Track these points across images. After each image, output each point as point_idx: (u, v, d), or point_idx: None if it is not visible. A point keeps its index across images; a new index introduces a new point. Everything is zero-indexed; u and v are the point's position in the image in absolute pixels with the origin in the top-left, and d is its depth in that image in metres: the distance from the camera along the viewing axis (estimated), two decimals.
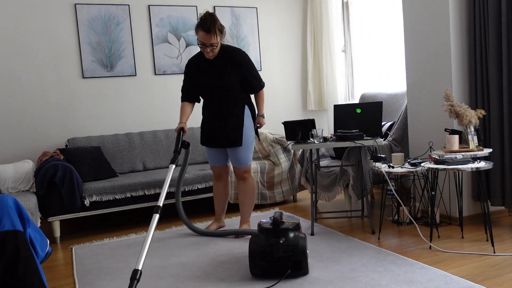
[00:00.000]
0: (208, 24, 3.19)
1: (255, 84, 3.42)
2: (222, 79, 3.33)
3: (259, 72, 3.56)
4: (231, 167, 3.63)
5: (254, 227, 3.73)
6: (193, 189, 4.12)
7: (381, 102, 3.51)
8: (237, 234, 3.48)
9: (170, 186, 3.99)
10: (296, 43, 5.71)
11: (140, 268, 2.31)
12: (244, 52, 3.42)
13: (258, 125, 3.50)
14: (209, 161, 3.62)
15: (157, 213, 2.63)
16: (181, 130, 3.33)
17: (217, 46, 3.28)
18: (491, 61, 3.28)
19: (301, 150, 4.49)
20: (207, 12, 3.27)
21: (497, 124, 3.31)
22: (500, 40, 3.25)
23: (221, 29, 3.28)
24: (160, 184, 4.00)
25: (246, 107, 3.43)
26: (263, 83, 3.48)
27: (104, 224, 4.27)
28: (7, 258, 1.88)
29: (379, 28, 4.98)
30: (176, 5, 4.99)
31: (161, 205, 2.69)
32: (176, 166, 3.09)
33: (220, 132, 3.41)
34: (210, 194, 4.13)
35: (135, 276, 2.27)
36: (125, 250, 3.36)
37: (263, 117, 3.52)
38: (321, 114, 5.73)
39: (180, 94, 3.53)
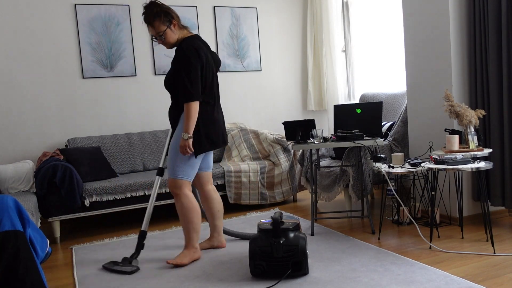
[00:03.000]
0: (143, 15, 2.88)
1: (180, 91, 2.79)
2: (166, 77, 2.94)
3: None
4: (204, 177, 3.19)
5: (253, 228, 3.73)
6: None
7: (381, 102, 3.51)
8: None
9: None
10: (296, 43, 5.70)
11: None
12: (191, 48, 2.79)
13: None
14: None
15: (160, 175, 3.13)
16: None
17: (164, 35, 2.85)
18: (491, 61, 3.28)
19: (301, 150, 4.49)
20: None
21: (497, 124, 3.31)
22: (500, 40, 3.25)
23: (161, 14, 2.83)
24: (160, 185, 3.99)
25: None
26: (191, 98, 2.75)
27: (104, 224, 4.27)
28: (7, 258, 1.88)
29: (379, 28, 4.98)
30: (176, 5, 4.98)
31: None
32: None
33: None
34: None
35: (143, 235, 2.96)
36: (125, 250, 3.36)
37: (184, 138, 2.76)
38: (321, 114, 5.73)
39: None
